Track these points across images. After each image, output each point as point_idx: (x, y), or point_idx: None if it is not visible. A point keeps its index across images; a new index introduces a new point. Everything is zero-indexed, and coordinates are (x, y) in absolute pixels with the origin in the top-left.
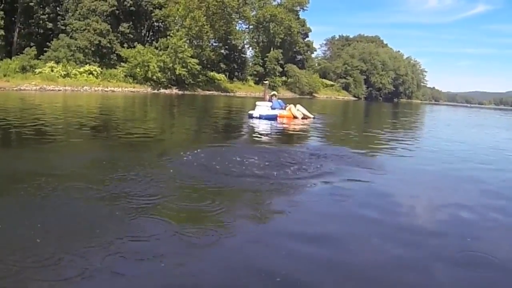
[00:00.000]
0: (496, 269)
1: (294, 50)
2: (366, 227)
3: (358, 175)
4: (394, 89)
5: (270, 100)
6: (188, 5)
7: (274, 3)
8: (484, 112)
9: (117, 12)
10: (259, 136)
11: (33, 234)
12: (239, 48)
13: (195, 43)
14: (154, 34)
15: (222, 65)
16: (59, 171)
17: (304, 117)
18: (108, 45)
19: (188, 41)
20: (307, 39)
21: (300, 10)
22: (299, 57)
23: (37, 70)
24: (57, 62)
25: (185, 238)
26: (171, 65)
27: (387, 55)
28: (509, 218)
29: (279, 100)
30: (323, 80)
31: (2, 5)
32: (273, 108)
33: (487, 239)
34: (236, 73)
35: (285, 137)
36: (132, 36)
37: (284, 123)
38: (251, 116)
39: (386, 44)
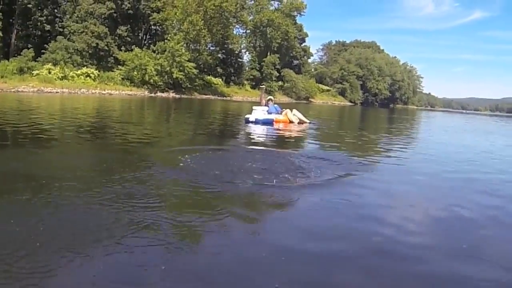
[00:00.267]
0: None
1: (291, 55)
2: (364, 236)
3: (356, 180)
4: (390, 94)
5: (266, 105)
6: (186, 9)
7: (272, 8)
8: (480, 119)
9: (115, 15)
10: (255, 140)
11: (32, 237)
12: (236, 52)
13: (193, 47)
14: (152, 37)
15: (219, 69)
16: (56, 174)
17: (300, 122)
18: (106, 48)
19: (185, 45)
20: (303, 44)
21: (297, 15)
22: (295, 62)
23: (34, 72)
24: (55, 64)
25: (184, 241)
26: (168, 68)
27: (384, 60)
28: None
29: (275, 105)
30: (320, 85)
31: (0, 6)
32: (269, 113)
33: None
34: (232, 78)
35: (282, 142)
36: (129, 39)
37: (280, 128)
38: (247, 121)
39: (383, 50)
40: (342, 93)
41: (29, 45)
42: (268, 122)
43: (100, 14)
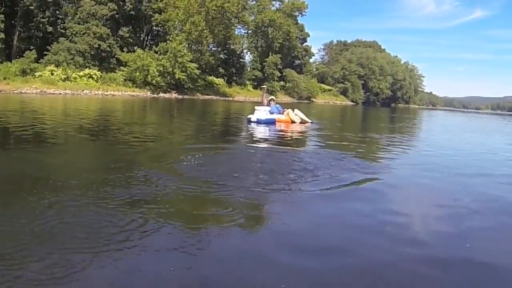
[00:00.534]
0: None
1: (293, 55)
2: (368, 237)
3: (361, 183)
4: (391, 94)
5: (268, 105)
6: (188, 10)
7: (273, 8)
8: (481, 118)
9: (117, 16)
10: (258, 140)
11: (32, 239)
12: (238, 52)
13: (195, 48)
14: (154, 38)
15: (220, 70)
16: (62, 175)
17: (302, 122)
18: (108, 49)
19: (187, 46)
20: (305, 44)
21: (298, 15)
22: (297, 61)
23: (37, 74)
24: (57, 66)
25: (185, 244)
26: (170, 69)
27: (385, 60)
28: None
29: (277, 105)
30: (321, 85)
31: (2, 8)
32: (271, 113)
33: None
34: (234, 78)
35: (284, 142)
36: (131, 40)
37: (282, 128)
38: (249, 121)
39: (384, 49)
40: (344, 92)
41: (31, 47)
42: (270, 122)
43: (102, 15)
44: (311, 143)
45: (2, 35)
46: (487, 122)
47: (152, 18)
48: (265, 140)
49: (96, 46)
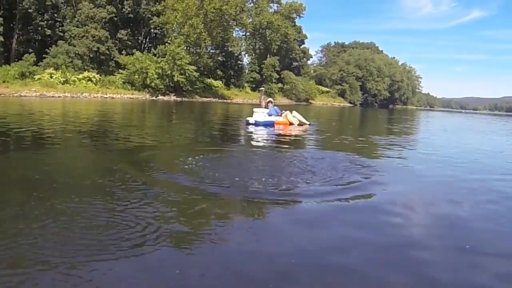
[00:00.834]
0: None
1: (290, 56)
2: (368, 237)
3: (361, 184)
4: (389, 95)
5: (266, 107)
6: (186, 13)
7: (271, 10)
8: (479, 118)
9: (115, 19)
10: (257, 143)
11: (32, 243)
12: (236, 55)
13: (193, 50)
14: (152, 41)
15: (219, 72)
16: (64, 179)
17: (300, 124)
18: (107, 51)
19: (186, 48)
20: (303, 45)
21: (296, 17)
22: (295, 63)
23: (36, 77)
24: (56, 69)
25: (184, 247)
26: (169, 72)
27: (383, 61)
28: None
29: (275, 107)
30: (319, 86)
31: (1, 11)
32: (269, 115)
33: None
34: (232, 80)
35: (283, 144)
36: (130, 43)
37: (280, 130)
38: (248, 123)
39: (382, 51)
40: (342, 94)
41: (30, 50)
42: (268, 124)
43: (101, 18)
44: (310, 145)
45: (1, 38)
46: (486, 123)
47: (151, 21)
48: (264, 142)
49: (95, 49)
